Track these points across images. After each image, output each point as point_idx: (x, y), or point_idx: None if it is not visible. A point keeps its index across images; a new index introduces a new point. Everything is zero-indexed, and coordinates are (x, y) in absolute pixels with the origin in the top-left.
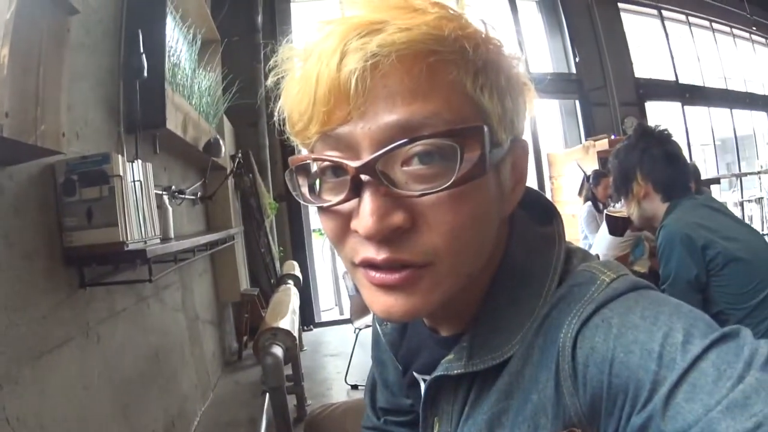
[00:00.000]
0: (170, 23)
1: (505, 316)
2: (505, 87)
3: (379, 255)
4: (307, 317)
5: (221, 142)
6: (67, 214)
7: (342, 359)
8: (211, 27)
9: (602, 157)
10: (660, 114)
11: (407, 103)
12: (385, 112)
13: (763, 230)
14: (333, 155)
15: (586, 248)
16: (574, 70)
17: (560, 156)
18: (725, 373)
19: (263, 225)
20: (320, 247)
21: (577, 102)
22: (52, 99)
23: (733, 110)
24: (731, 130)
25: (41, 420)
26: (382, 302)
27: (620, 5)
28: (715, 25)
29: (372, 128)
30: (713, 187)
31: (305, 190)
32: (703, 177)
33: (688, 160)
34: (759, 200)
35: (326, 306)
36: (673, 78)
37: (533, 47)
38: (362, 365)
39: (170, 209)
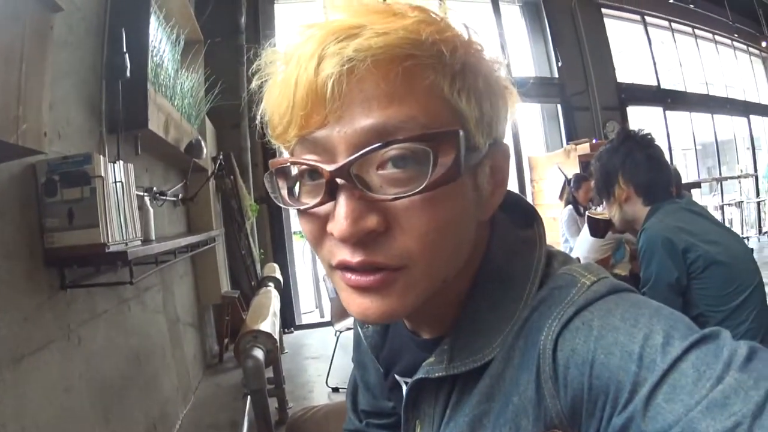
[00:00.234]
0: (154, 23)
1: (486, 319)
2: (484, 90)
3: (354, 258)
4: (288, 320)
5: (203, 143)
6: (48, 214)
7: (323, 362)
8: (194, 27)
9: (583, 160)
10: (641, 118)
11: (383, 107)
12: (362, 116)
13: (743, 233)
14: (310, 158)
15: (567, 251)
16: (556, 75)
17: (541, 159)
18: (705, 374)
19: (244, 227)
20: (301, 249)
21: (559, 106)
22: (34, 97)
23: (714, 115)
24: (712, 135)
25: (22, 422)
26: (357, 304)
27: (604, 11)
28: (698, 32)
29: (348, 132)
30: (694, 191)
31: (284, 192)
32: (685, 181)
33: (670, 165)
34: (739, 204)
35: (307, 308)
36: (654, 83)
37: (516, 51)
38: (343, 368)
39: (151, 211)
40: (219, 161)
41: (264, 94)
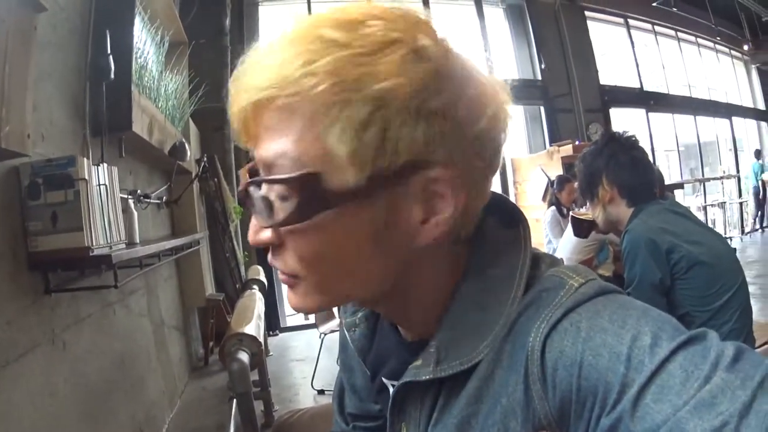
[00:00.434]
0: (138, 24)
1: (472, 321)
2: (368, 121)
3: (269, 258)
4: (273, 322)
5: (187, 146)
6: (31, 218)
7: (308, 364)
8: (179, 29)
9: (566, 162)
10: (624, 120)
11: (266, 141)
12: (260, 146)
13: (725, 234)
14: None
15: (551, 252)
16: (539, 77)
17: (525, 161)
18: (693, 374)
19: (228, 230)
20: None
21: (542, 108)
22: (17, 99)
23: (697, 117)
24: (695, 137)
25: (6, 428)
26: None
27: (587, 13)
28: (680, 35)
29: (258, 157)
30: (677, 192)
31: None
32: (667, 182)
33: (654, 166)
34: (721, 204)
35: (291, 311)
36: (637, 85)
37: (500, 54)
38: (328, 370)
39: (136, 214)
40: (203, 164)
41: None
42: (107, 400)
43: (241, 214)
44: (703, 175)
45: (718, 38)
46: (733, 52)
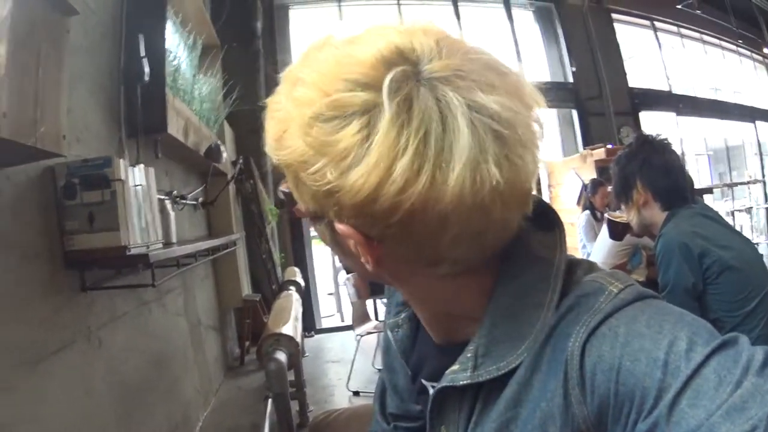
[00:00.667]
0: (170, 27)
1: (508, 327)
2: (298, 181)
3: None
4: (309, 323)
5: (222, 147)
6: (67, 217)
7: (343, 366)
8: (210, 32)
9: (599, 166)
10: (654, 124)
11: None
12: None
13: (753, 239)
14: None
15: (585, 257)
16: (571, 79)
17: (558, 165)
18: (725, 378)
19: (264, 231)
20: (320, 253)
21: (574, 111)
22: (51, 100)
23: (724, 121)
24: (722, 141)
25: (40, 425)
26: None
27: (613, 15)
28: (705, 37)
29: None
30: (706, 197)
31: None
32: (697, 186)
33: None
34: (749, 210)
35: (327, 312)
36: (666, 88)
37: (531, 56)
38: (364, 372)
39: (172, 214)
40: (239, 165)
41: None
42: (142, 399)
43: (276, 217)
44: (731, 179)
45: (740, 41)
46: (754, 55)
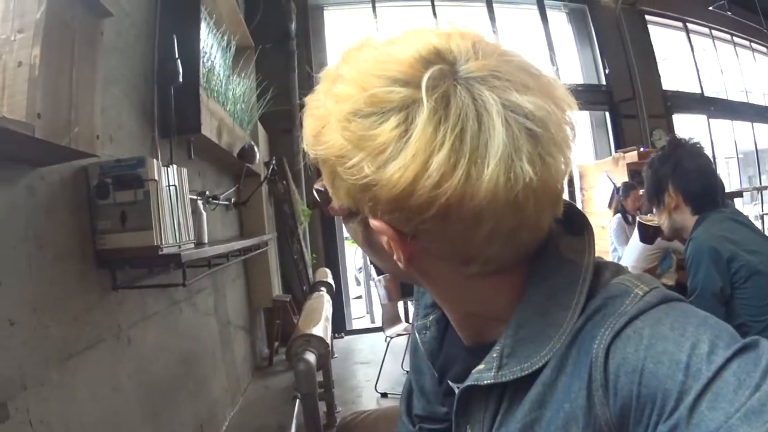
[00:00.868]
0: (204, 28)
1: (535, 328)
2: (334, 178)
3: None
4: (339, 324)
5: (255, 148)
6: (100, 216)
7: (372, 367)
8: (244, 33)
9: (631, 169)
10: (686, 127)
11: None
12: None
13: None
14: None
15: (616, 260)
16: (604, 82)
17: (591, 167)
18: (744, 382)
19: (296, 232)
20: (352, 255)
21: (607, 113)
22: (85, 101)
23: (754, 123)
24: (752, 144)
25: (67, 422)
26: None
27: (647, 17)
28: (736, 39)
29: None
30: (736, 201)
31: None
32: (727, 190)
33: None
34: None
35: (358, 314)
36: (698, 90)
37: (564, 58)
38: (393, 374)
39: (204, 214)
40: (272, 166)
41: None
42: (170, 397)
43: (309, 217)
44: (760, 183)
45: None
46: None
